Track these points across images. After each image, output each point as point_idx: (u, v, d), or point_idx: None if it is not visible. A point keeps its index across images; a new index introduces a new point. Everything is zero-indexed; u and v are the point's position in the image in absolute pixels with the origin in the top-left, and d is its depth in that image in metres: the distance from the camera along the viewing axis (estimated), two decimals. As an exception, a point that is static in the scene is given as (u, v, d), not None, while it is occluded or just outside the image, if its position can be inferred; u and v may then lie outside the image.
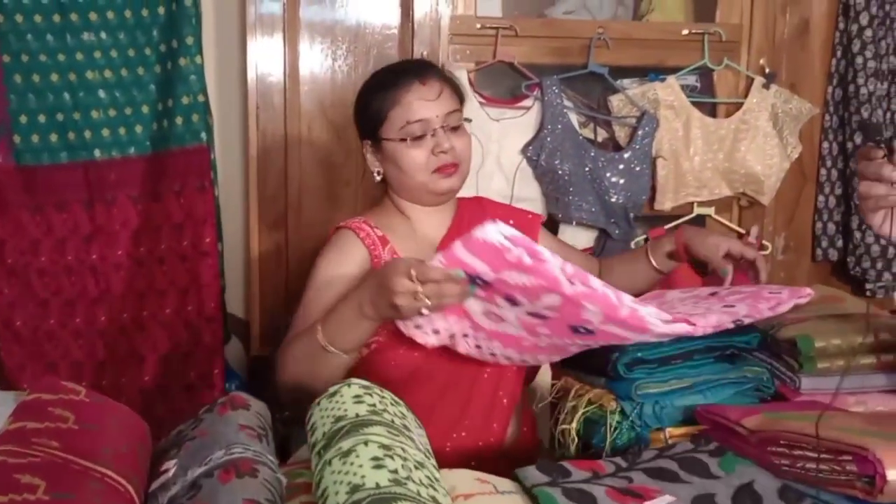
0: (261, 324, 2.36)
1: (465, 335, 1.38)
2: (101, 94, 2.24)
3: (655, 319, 1.16)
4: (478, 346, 1.40)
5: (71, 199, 2.24)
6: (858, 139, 2.53)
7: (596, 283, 1.16)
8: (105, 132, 2.25)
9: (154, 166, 2.27)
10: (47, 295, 2.23)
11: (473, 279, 1.24)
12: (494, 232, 1.15)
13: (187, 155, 2.26)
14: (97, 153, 2.25)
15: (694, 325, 1.21)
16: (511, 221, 1.67)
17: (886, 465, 0.98)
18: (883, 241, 2.58)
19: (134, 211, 2.26)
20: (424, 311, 1.27)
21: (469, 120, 1.62)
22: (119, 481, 0.93)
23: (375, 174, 1.61)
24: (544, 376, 2.49)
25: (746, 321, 1.34)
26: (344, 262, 1.54)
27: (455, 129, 1.56)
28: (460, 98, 1.61)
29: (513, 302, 1.25)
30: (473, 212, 1.66)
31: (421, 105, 1.53)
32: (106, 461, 0.94)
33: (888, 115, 2.54)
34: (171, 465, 1.02)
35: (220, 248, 2.31)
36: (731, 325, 1.31)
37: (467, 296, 1.27)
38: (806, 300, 1.40)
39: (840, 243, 2.64)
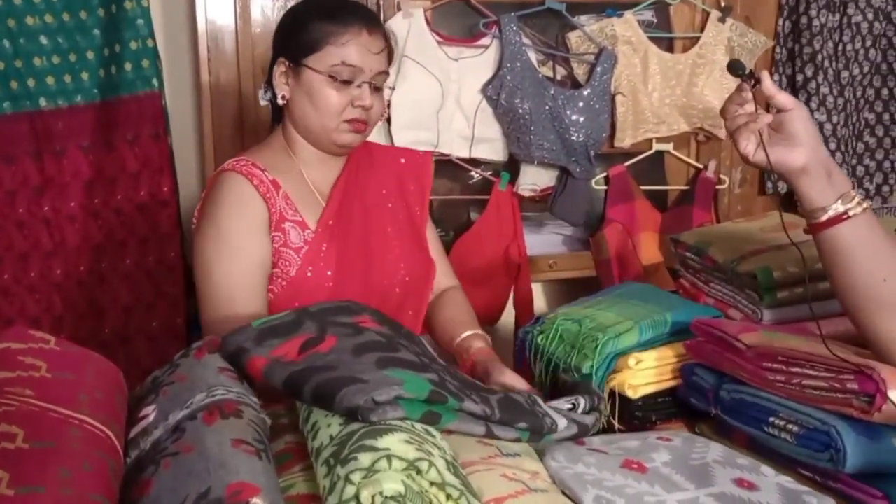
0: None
1: None
2: (43, 40, 2.15)
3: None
4: None
5: (18, 152, 2.16)
6: (809, 72, 2.55)
7: None
8: (50, 80, 2.17)
9: (104, 115, 2.20)
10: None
11: None
12: None
13: (139, 102, 2.20)
14: (42, 102, 2.16)
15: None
16: (402, 160, 1.72)
17: (889, 385, 0.98)
18: None
19: (85, 161, 2.19)
20: None
21: (392, 88, 1.58)
22: (99, 427, 0.91)
23: (279, 98, 1.55)
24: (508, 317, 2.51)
25: None
26: (245, 219, 1.48)
27: (377, 90, 1.55)
28: (390, 63, 1.60)
29: None
30: (361, 162, 1.65)
31: (361, 52, 1.50)
32: (84, 408, 0.92)
33: (839, 46, 2.56)
34: (150, 411, 1.00)
35: (177, 196, 2.26)
36: None
37: None
38: None
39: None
